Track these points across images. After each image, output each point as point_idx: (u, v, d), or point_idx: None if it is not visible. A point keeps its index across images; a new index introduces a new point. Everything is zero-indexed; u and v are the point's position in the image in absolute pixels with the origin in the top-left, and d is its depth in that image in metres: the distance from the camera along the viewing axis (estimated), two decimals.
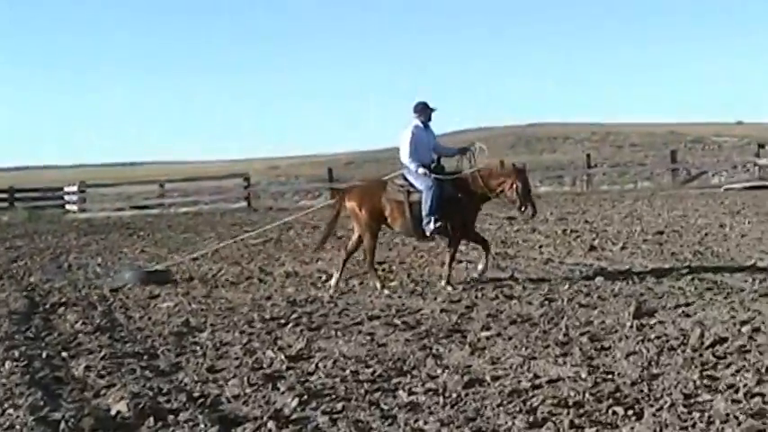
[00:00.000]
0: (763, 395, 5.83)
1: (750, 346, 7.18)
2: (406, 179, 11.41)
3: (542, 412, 5.77)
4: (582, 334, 7.99)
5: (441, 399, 6.18)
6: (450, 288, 10.98)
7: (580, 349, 7.40)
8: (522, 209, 11.30)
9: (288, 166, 69.47)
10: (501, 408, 5.91)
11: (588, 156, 38.41)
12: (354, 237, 11.80)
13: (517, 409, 5.87)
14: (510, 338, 7.96)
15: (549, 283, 11.15)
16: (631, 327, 8.18)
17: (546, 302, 9.74)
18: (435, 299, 10.35)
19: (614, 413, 5.66)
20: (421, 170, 11.20)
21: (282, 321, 9.34)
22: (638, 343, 7.52)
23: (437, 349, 7.67)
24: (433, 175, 11.20)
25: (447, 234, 11.41)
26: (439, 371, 6.92)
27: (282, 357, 7.57)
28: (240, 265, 14.38)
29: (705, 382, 6.26)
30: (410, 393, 6.35)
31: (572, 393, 6.11)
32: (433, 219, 11.08)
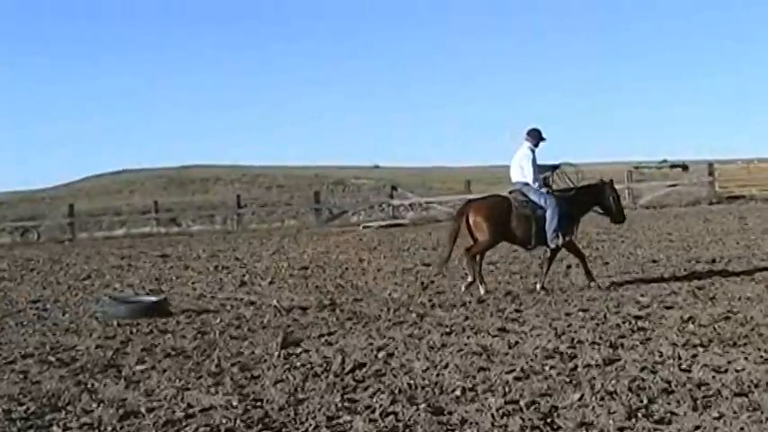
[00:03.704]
0: (396, 414, 6.24)
1: (385, 370, 7.64)
2: (525, 196, 12.23)
3: None
4: (233, 364, 8.18)
5: None
6: (543, 292, 11.89)
7: (231, 379, 7.58)
8: (617, 217, 12.76)
9: None
10: None
11: (238, 196, 39.29)
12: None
13: None
14: (164, 371, 8.04)
15: (201, 316, 11.35)
16: (279, 356, 8.44)
17: (199, 335, 9.90)
18: (90, 335, 10.24)
19: None
20: (544, 189, 12.21)
21: None
22: (285, 371, 7.77)
23: (92, 384, 7.63)
24: (555, 194, 12.26)
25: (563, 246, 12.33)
26: (94, 405, 6.89)
27: None
28: None
29: (346, 404, 6.57)
30: (65, 429, 6.30)
31: (224, 421, 6.27)
32: (559, 234, 12.07)
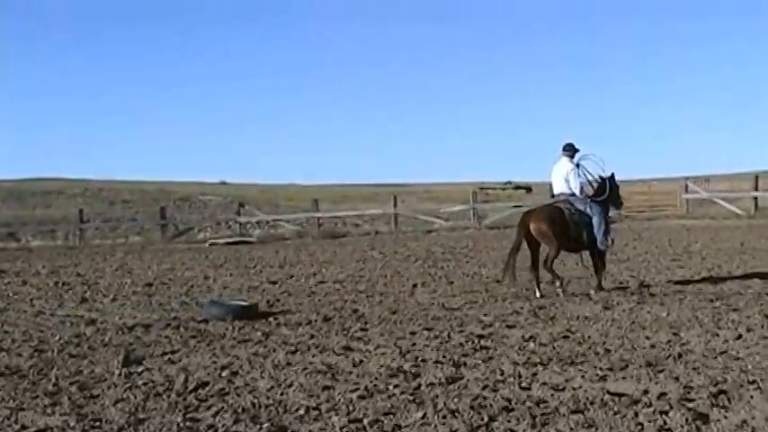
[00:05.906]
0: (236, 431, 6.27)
1: (229, 389, 7.58)
2: (572, 205, 13.33)
3: None
4: (72, 383, 7.98)
5: None
6: (602, 292, 12.93)
7: (69, 398, 7.40)
8: (618, 205, 14.24)
9: None
10: None
11: (81, 211, 38.40)
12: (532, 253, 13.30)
13: None
14: None
15: (39, 334, 10.97)
16: (120, 375, 8.28)
17: (36, 354, 9.59)
18: None
19: None
20: (588, 198, 13.37)
21: None
22: (126, 390, 7.63)
23: None
24: (595, 201, 13.37)
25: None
26: None
27: None
28: None
29: (188, 424, 6.51)
30: None
31: None
32: (609, 236, 13.37)
